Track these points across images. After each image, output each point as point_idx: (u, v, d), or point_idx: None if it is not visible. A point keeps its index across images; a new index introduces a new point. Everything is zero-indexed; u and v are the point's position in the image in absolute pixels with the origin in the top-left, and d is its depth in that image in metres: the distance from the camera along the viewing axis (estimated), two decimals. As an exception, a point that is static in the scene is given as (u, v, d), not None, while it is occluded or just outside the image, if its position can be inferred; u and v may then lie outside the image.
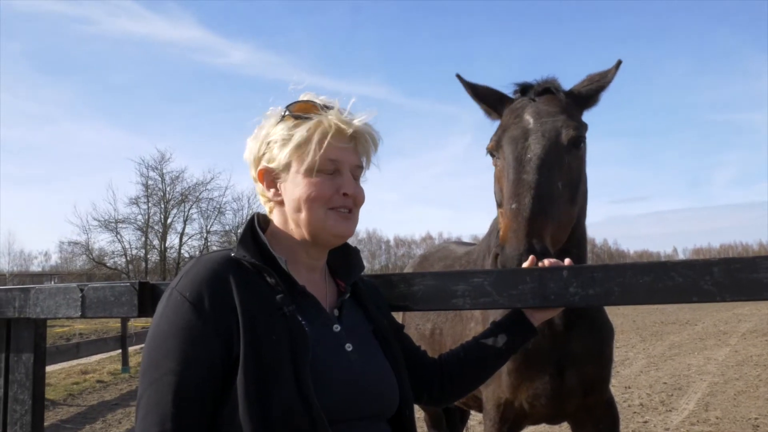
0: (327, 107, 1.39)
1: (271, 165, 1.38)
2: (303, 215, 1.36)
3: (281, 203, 1.39)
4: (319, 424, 1.17)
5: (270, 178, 1.40)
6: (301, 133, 1.34)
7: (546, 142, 2.03)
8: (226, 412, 1.18)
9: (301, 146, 1.34)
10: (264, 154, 1.40)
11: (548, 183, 1.95)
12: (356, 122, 1.38)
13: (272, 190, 1.40)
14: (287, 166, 1.36)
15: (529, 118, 2.12)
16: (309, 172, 1.34)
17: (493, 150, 2.19)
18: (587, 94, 2.28)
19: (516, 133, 2.10)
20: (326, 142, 1.34)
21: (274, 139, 1.38)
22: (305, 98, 1.40)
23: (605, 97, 2.31)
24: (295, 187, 1.36)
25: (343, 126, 1.36)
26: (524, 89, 2.29)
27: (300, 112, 1.38)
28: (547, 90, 2.22)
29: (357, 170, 1.42)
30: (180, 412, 1.15)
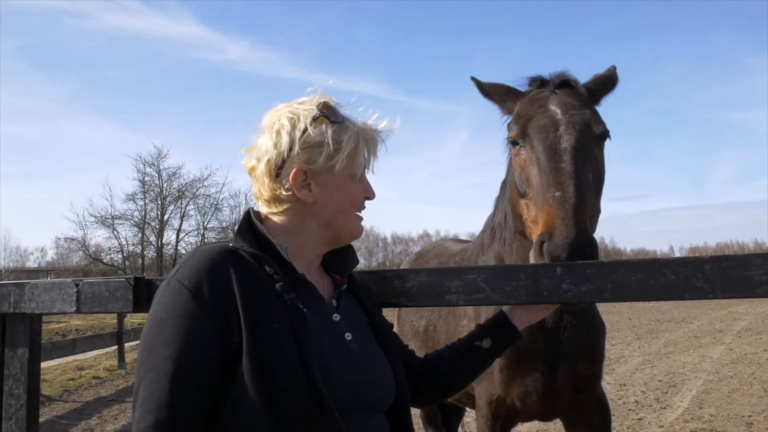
0: (342, 114, 1.43)
1: (312, 167, 1.36)
2: (341, 217, 1.41)
3: (306, 203, 1.38)
4: (327, 409, 1.17)
5: (304, 178, 1.37)
6: (353, 141, 1.40)
7: (578, 134, 2.01)
8: (228, 402, 1.18)
9: (352, 154, 1.40)
10: (295, 152, 1.36)
11: (584, 173, 1.94)
12: (383, 134, 1.48)
13: (305, 191, 1.37)
14: (330, 169, 1.38)
15: (555, 109, 2.10)
16: (353, 179, 1.42)
17: (518, 138, 2.14)
18: (599, 93, 2.28)
19: (544, 122, 2.07)
20: (369, 151, 1.45)
21: (317, 141, 1.36)
22: (325, 99, 1.42)
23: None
24: (334, 191, 1.39)
25: (378, 138, 1.47)
26: (542, 81, 2.27)
27: (331, 114, 1.40)
28: (565, 83, 2.21)
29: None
30: (176, 400, 1.14)
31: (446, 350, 1.66)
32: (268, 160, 1.38)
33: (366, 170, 1.47)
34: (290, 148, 1.36)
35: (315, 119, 1.37)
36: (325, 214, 1.40)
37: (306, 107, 1.40)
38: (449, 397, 1.71)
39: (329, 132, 1.37)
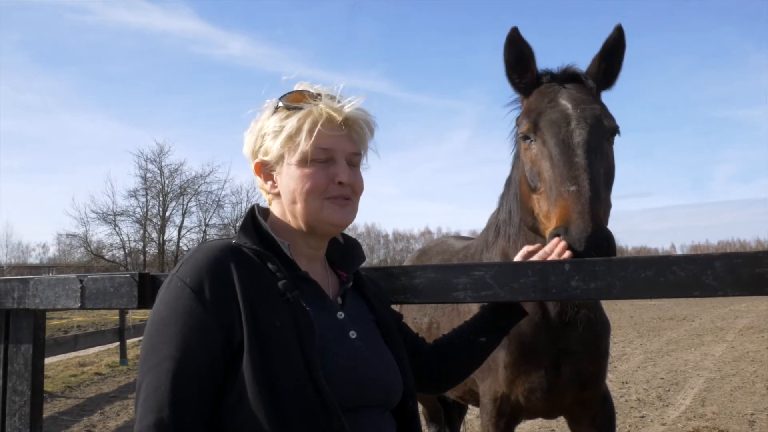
0: (321, 96, 1.38)
1: (266, 158, 1.39)
2: (298, 206, 1.35)
3: (278, 195, 1.40)
4: (329, 407, 1.17)
5: (266, 170, 1.40)
6: (291, 123, 1.34)
7: (590, 129, 2.00)
8: (231, 399, 1.17)
9: (293, 137, 1.34)
10: (260, 147, 1.40)
11: (597, 168, 1.93)
12: (347, 108, 1.37)
13: (269, 183, 1.41)
14: (280, 158, 1.36)
15: (566, 103, 2.08)
16: (302, 163, 1.34)
17: (529, 132, 2.13)
18: (605, 74, 2.20)
19: (555, 117, 2.06)
20: (317, 131, 1.33)
21: (266, 131, 1.38)
22: (299, 88, 1.40)
23: (605, 92, 2.26)
24: (289, 179, 1.35)
25: (333, 113, 1.34)
26: (551, 75, 2.23)
27: (293, 102, 1.37)
28: (574, 77, 2.19)
29: (354, 158, 1.40)
30: (178, 399, 1.13)
31: (454, 334, 1.66)
32: (249, 157, 1.43)
33: (334, 152, 1.35)
34: (255, 142, 1.41)
35: (276, 109, 1.39)
36: (286, 203, 1.38)
37: (273, 102, 1.41)
38: (461, 381, 1.71)
39: (278, 119, 1.37)
